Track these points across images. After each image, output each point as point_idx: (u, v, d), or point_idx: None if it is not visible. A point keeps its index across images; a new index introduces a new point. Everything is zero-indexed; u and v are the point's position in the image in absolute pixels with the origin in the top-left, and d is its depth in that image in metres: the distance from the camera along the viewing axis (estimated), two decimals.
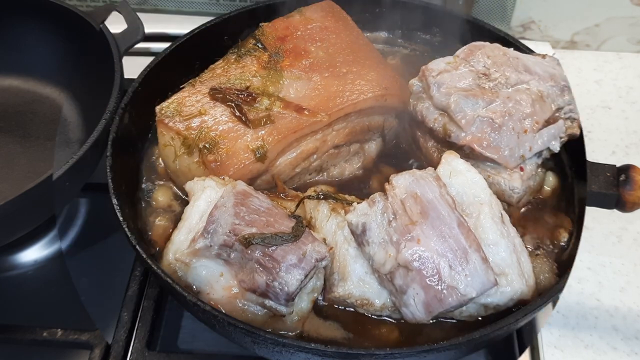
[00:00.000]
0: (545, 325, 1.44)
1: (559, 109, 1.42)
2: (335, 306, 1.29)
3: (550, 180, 1.49)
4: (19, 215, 1.38)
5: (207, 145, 1.37)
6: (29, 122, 1.82)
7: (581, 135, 1.44)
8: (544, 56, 1.50)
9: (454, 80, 1.42)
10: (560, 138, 1.41)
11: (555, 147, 1.40)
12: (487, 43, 1.51)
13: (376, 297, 1.24)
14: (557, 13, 2.02)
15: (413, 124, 1.53)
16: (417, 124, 1.50)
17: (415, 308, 1.19)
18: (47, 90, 1.87)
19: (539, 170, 1.45)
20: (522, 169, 1.39)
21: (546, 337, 1.43)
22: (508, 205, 1.41)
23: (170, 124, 1.42)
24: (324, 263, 1.22)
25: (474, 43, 1.51)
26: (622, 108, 1.93)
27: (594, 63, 2.06)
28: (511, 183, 1.38)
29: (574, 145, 1.51)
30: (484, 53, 1.47)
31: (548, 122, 1.39)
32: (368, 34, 1.75)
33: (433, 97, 1.42)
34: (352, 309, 1.29)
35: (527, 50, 1.59)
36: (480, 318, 1.25)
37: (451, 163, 1.29)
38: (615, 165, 1.37)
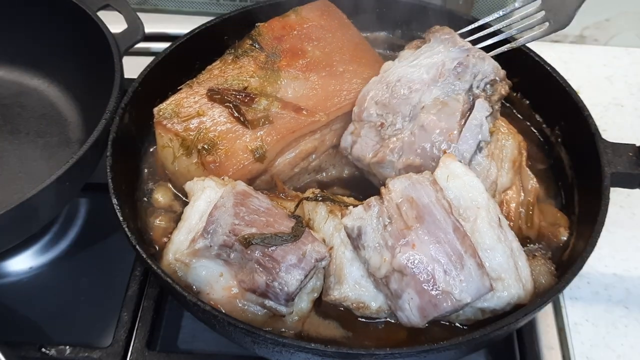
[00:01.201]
0: (576, 335, 1.43)
1: (469, 90, 1.35)
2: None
3: (510, 142, 1.43)
4: (19, 223, 1.36)
5: (205, 146, 1.37)
6: (17, 117, 1.77)
7: (585, 122, 1.43)
8: (429, 38, 1.44)
9: (364, 149, 1.41)
10: (491, 116, 1.35)
11: (485, 135, 1.34)
12: (369, 85, 1.45)
13: (372, 300, 1.24)
14: None
15: None
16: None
17: (410, 312, 1.18)
18: (35, 81, 1.83)
19: (500, 145, 1.40)
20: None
21: (577, 347, 1.41)
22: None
23: (169, 125, 1.42)
24: (323, 263, 1.22)
25: (360, 94, 1.46)
26: (635, 106, 1.91)
27: (604, 59, 2.03)
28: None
29: (574, 144, 1.52)
30: (372, 100, 1.42)
31: (465, 116, 1.33)
32: (368, 34, 1.75)
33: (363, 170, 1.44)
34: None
35: (527, 50, 1.59)
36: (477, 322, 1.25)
37: (449, 166, 1.28)
38: (635, 144, 1.38)
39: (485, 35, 1.50)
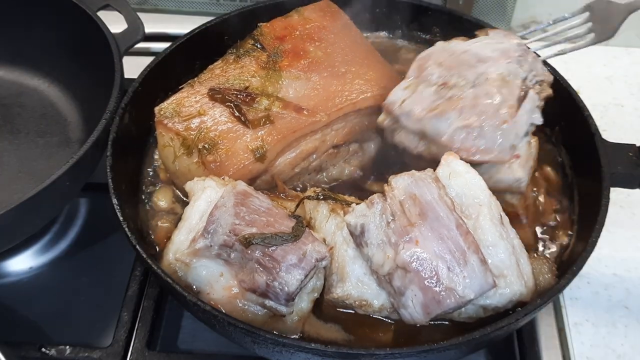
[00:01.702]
0: (576, 335, 1.43)
1: (524, 81, 1.40)
2: (337, 309, 1.29)
3: (533, 142, 1.45)
4: (19, 223, 1.36)
5: (206, 146, 1.37)
6: (17, 117, 1.77)
7: (586, 122, 1.44)
8: (487, 32, 1.50)
9: (418, 103, 1.40)
10: (538, 107, 1.40)
11: (537, 119, 1.39)
12: (433, 49, 1.49)
13: (375, 298, 1.24)
14: (568, 6, 2.00)
15: (400, 151, 1.50)
16: (402, 152, 1.48)
17: (414, 309, 1.18)
18: (35, 81, 1.83)
19: (530, 144, 1.42)
20: (517, 156, 1.37)
21: (577, 347, 1.41)
22: (519, 195, 1.41)
23: (170, 124, 1.42)
24: (324, 263, 1.22)
25: (420, 55, 1.49)
26: (635, 106, 1.91)
27: (604, 59, 2.03)
28: (514, 175, 1.37)
29: (574, 144, 1.52)
30: (434, 63, 1.45)
31: (520, 100, 1.37)
32: (368, 34, 1.75)
33: (406, 127, 1.41)
34: (352, 311, 1.28)
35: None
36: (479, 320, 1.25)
37: (450, 164, 1.28)
38: (635, 145, 1.38)
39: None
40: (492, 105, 1.35)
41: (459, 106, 1.36)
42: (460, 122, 1.35)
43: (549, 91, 1.42)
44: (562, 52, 1.51)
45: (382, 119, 1.48)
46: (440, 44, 1.50)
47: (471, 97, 1.37)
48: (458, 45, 1.48)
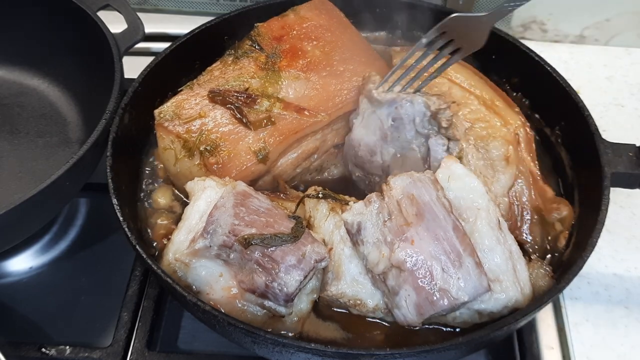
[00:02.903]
0: (576, 335, 1.43)
1: (417, 135, 1.35)
2: (332, 309, 1.29)
3: (494, 143, 1.41)
4: (19, 223, 1.36)
5: (208, 148, 1.37)
6: (17, 117, 1.77)
7: (585, 122, 1.43)
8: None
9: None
10: (446, 146, 1.34)
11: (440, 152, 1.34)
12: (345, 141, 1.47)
13: (369, 297, 1.24)
14: (569, 6, 2.00)
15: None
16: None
17: (407, 310, 1.18)
18: (35, 81, 1.83)
19: None
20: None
21: (577, 347, 1.41)
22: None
23: (170, 127, 1.41)
24: (323, 264, 1.22)
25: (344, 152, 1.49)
26: (635, 106, 1.90)
27: (604, 59, 2.03)
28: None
29: (574, 144, 1.52)
30: (351, 162, 1.47)
31: (426, 159, 1.35)
32: (368, 34, 1.75)
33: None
34: (346, 311, 1.29)
35: (527, 50, 1.59)
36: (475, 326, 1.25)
37: (450, 167, 1.28)
38: (635, 145, 1.38)
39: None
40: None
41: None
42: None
43: (445, 116, 1.34)
44: (434, 77, 1.41)
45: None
46: (348, 139, 1.46)
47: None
48: (355, 133, 1.44)
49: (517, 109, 1.53)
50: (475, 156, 1.40)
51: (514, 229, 1.39)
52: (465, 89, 1.53)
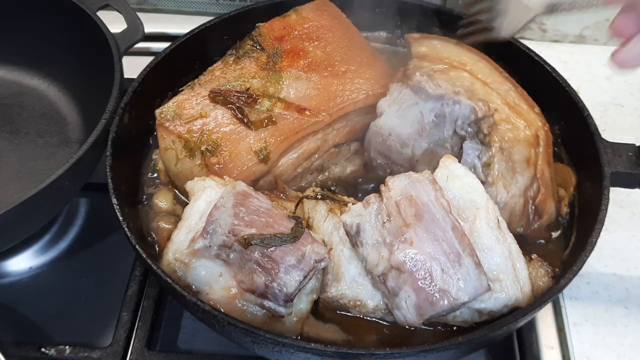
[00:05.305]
0: (576, 335, 1.43)
1: (454, 135, 1.33)
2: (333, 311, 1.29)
3: (517, 148, 1.37)
4: (18, 223, 1.36)
5: (209, 148, 1.37)
6: (17, 117, 1.77)
7: (585, 121, 1.43)
8: (406, 70, 1.43)
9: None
10: (479, 152, 1.33)
11: (479, 175, 1.32)
12: (370, 128, 1.47)
13: (369, 298, 1.24)
14: None
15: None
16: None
17: (407, 311, 1.18)
18: (35, 81, 1.83)
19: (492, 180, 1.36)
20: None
21: (577, 347, 1.41)
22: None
23: (171, 127, 1.41)
24: (322, 264, 1.22)
25: (366, 140, 1.48)
26: (635, 106, 1.90)
27: (603, 58, 2.00)
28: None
29: (574, 144, 1.52)
30: (375, 150, 1.46)
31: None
32: (368, 34, 1.75)
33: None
34: (347, 313, 1.28)
35: (527, 50, 1.59)
36: (474, 324, 1.25)
37: (449, 167, 1.28)
38: (634, 144, 1.38)
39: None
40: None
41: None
42: None
43: (488, 123, 1.33)
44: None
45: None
46: (374, 126, 1.45)
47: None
48: (385, 122, 1.41)
49: (538, 109, 1.48)
50: (499, 159, 1.37)
51: (526, 229, 1.39)
52: (487, 84, 1.48)
